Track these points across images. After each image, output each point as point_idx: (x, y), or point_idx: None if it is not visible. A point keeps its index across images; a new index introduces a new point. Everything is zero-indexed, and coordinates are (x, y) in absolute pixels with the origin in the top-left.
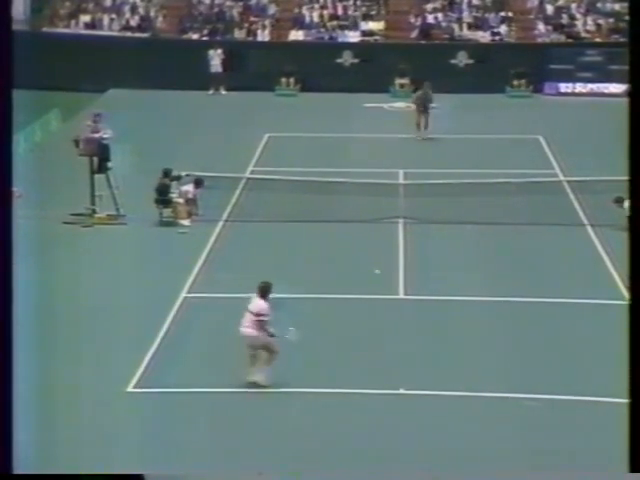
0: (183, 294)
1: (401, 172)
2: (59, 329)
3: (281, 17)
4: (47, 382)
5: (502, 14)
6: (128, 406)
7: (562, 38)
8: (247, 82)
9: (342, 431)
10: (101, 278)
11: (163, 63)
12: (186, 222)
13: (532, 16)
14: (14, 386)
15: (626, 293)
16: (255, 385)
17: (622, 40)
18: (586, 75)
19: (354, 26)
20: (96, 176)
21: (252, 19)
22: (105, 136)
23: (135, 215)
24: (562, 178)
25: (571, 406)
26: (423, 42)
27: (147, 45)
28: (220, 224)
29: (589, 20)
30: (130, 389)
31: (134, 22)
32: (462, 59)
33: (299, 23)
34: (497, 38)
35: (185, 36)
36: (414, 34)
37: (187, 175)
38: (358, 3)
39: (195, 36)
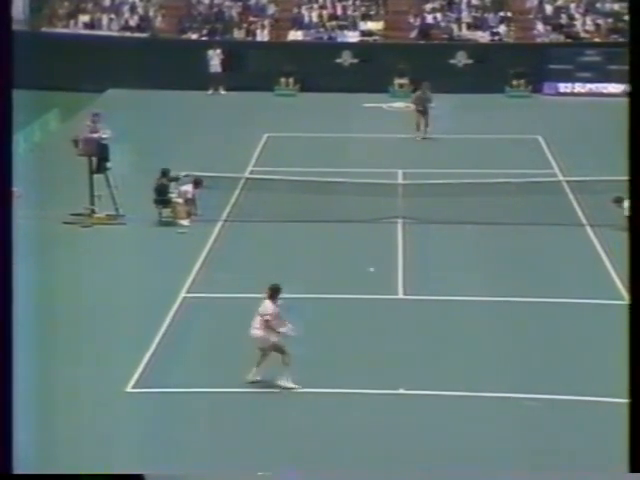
0: (182, 294)
1: (400, 172)
2: (58, 329)
3: (280, 17)
4: (47, 382)
5: (501, 14)
6: (127, 406)
7: (561, 38)
8: (246, 82)
9: (341, 431)
10: (100, 278)
11: (162, 63)
12: (185, 222)
13: (531, 16)
14: (14, 386)
15: (625, 293)
16: (255, 385)
17: (621, 40)
18: (585, 75)
19: (353, 26)
20: (95, 176)
21: (251, 19)
22: (104, 136)
23: (134, 215)
24: (561, 178)
25: (571, 406)
26: (422, 42)
27: (146, 45)
28: (219, 224)
29: (588, 20)
30: (129, 389)
31: (133, 22)
32: (461, 59)
33: (298, 23)
34: (496, 38)
35: (184, 36)
36: (413, 34)
37: (185, 176)
38: (357, 3)
39: (194, 36)
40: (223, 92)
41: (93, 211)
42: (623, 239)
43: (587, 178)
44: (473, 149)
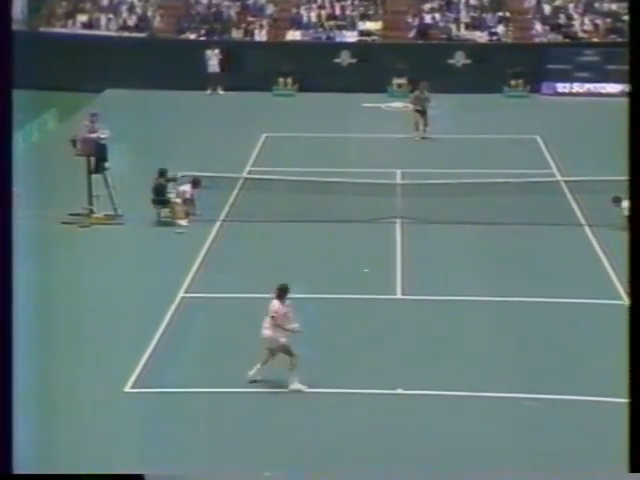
0: (181, 294)
1: (399, 172)
2: (58, 329)
3: (279, 17)
4: (46, 382)
5: (499, 14)
6: (126, 406)
7: (559, 38)
8: (245, 82)
9: (341, 431)
10: (99, 278)
11: (160, 63)
12: (184, 222)
13: (529, 16)
14: (14, 386)
15: (624, 293)
16: (255, 385)
17: (620, 40)
18: (583, 75)
19: (352, 26)
20: (93, 176)
21: (249, 19)
22: (102, 136)
23: (133, 215)
24: (560, 178)
25: (571, 406)
26: (421, 42)
27: (144, 45)
28: (218, 224)
29: (586, 20)
30: (128, 389)
31: (131, 22)
32: (460, 59)
33: (297, 23)
34: (494, 38)
35: (182, 36)
36: (412, 34)
37: (183, 176)
38: (356, 3)
39: (192, 36)
40: (221, 92)
41: (91, 211)
42: (622, 239)
43: (585, 178)
44: (472, 149)
